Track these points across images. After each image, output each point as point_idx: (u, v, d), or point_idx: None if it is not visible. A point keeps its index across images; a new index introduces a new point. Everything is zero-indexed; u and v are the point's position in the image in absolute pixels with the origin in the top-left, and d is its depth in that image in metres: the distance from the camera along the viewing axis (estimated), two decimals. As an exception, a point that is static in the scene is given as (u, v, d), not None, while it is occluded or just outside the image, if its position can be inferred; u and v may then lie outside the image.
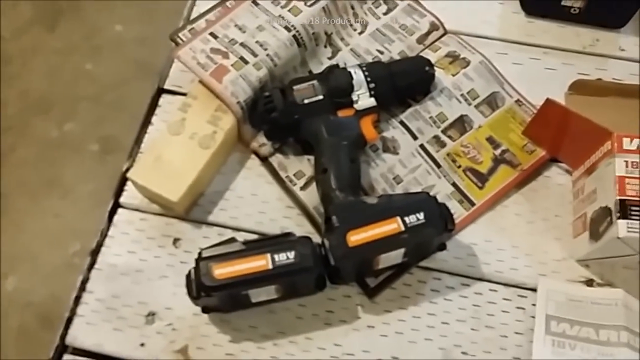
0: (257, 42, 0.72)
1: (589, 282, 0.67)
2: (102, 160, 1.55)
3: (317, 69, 0.76)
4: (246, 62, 0.71)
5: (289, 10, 0.74)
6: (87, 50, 1.71)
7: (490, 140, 0.73)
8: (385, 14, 0.79)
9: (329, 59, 0.77)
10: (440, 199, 0.68)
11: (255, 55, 0.71)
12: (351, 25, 0.78)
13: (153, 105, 0.77)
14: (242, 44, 0.72)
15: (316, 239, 0.67)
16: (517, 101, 0.75)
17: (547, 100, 0.67)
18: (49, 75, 1.66)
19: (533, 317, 0.64)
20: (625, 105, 0.74)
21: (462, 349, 0.64)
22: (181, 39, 0.75)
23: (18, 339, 1.33)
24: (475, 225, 0.70)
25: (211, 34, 0.73)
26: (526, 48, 0.80)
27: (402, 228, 0.59)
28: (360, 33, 0.78)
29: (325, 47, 0.77)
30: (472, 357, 0.63)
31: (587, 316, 0.63)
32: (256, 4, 0.75)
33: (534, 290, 0.66)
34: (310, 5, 0.75)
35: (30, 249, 1.43)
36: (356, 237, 0.59)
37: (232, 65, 0.70)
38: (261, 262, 0.58)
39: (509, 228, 0.70)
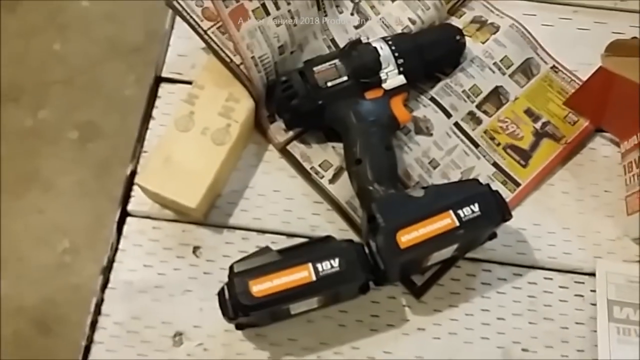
0: None
1: (647, 261, 0.62)
2: (82, 149, 1.45)
3: (341, 38, 0.68)
4: (267, 13, 0.62)
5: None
6: (53, 30, 1.58)
7: (528, 112, 0.67)
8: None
9: (356, 27, 0.69)
10: (482, 181, 0.63)
11: (277, 7, 0.63)
12: None
13: (152, 96, 0.68)
14: None
15: (351, 235, 0.62)
16: (553, 67, 0.69)
17: (600, 68, 0.60)
18: (15, 61, 1.53)
19: (593, 304, 0.60)
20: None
21: (522, 346, 0.59)
22: (179, 3, 0.63)
23: (15, 346, 1.25)
24: (521, 207, 0.64)
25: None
26: (555, 7, 0.73)
27: (457, 223, 0.53)
28: (393, 0, 0.70)
29: (352, 14, 0.69)
30: (533, 353, 0.59)
31: (650, 299, 0.59)
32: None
33: (591, 274, 0.61)
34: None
35: (16, 250, 1.33)
36: (407, 237, 0.52)
37: (253, 10, 0.62)
38: (303, 274, 0.52)
39: (558, 208, 0.64)
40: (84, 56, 1.55)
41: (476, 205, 0.54)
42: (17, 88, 1.50)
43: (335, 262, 0.52)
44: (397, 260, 0.53)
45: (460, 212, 0.53)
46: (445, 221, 0.53)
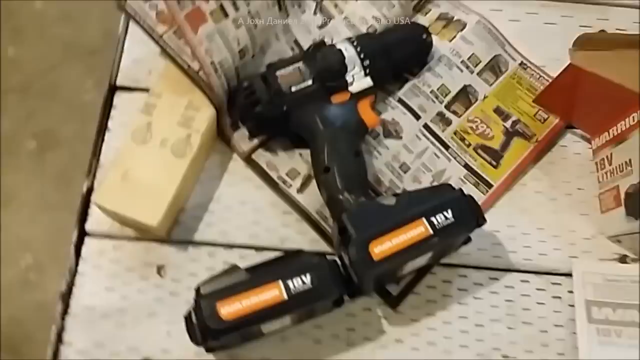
0: None
1: (623, 259, 0.61)
2: (41, 159, 1.39)
3: (304, 39, 0.65)
4: (226, 15, 0.59)
5: (274, -36, 0.63)
6: (6, 33, 1.52)
7: (498, 111, 0.65)
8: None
9: (319, 27, 0.66)
10: (453, 184, 0.61)
11: (236, 8, 0.60)
12: None
13: (107, 106, 0.65)
14: None
15: (323, 246, 0.60)
16: (521, 64, 0.68)
17: (570, 65, 0.59)
18: (-34, 68, 1.47)
19: (572, 305, 0.59)
20: (635, 58, 0.67)
21: (501, 352, 0.57)
22: (131, 7, 0.59)
23: (-20, 367, 1.20)
24: (495, 209, 0.63)
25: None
26: (522, 2, 0.72)
27: (431, 231, 0.51)
28: (358, -2, 0.67)
29: (315, 14, 0.66)
30: (513, 359, 0.57)
31: (628, 296, 0.58)
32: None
33: (568, 275, 0.60)
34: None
35: (-24, 267, 1.28)
36: (380, 248, 0.50)
37: (210, 13, 0.59)
38: (274, 293, 0.49)
39: (531, 208, 0.63)
40: (40, 60, 1.49)
41: (449, 211, 0.52)
42: (-30, 97, 1.44)
43: (307, 279, 0.50)
44: (370, 272, 0.51)
45: (433, 219, 0.51)
46: (418, 229, 0.51)
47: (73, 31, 1.52)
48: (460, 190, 0.54)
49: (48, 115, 1.43)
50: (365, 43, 0.61)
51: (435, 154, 0.63)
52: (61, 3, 1.54)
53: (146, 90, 0.62)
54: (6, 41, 1.51)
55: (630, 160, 0.57)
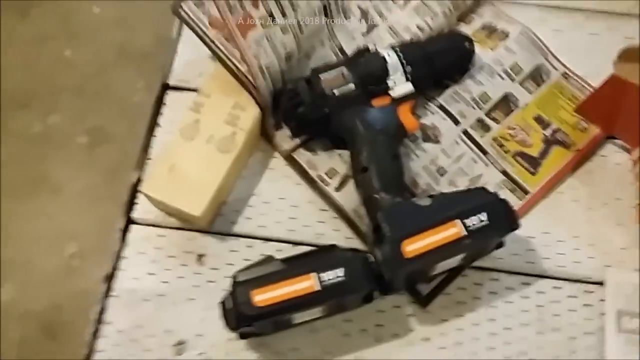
0: (289, 0, 0.63)
1: (658, 271, 0.61)
2: (91, 154, 1.45)
3: (348, 45, 0.67)
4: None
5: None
6: (63, 36, 1.59)
7: (538, 119, 0.66)
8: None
9: (363, 35, 0.68)
10: (490, 189, 0.62)
11: (284, 15, 0.62)
12: None
13: (158, 104, 0.68)
14: None
15: (357, 244, 0.61)
16: (564, 74, 0.68)
17: (613, 76, 0.59)
18: (26, 67, 1.54)
19: (603, 314, 0.59)
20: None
21: (528, 356, 0.58)
22: (185, 12, 0.63)
23: (20, 351, 1.25)
24: (530, 215, 0.63)
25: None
26: (566, 12, 0.73)
27: (464, 232, 0.52)
28: (402, 7, 0.69)
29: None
30: (541, 364, 0.58)
31: (661, 309, 0.58)
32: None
33: (600, 284, 0.60)
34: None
35: (24, 254, 1.34)
36: (412, 247, 0.52)
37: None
38: (307, 283, 0.51)
39: (567, 216, 0.63)
40: (94, 62, 1.56)
41: (484, 214, 0.53)
42: (28, 94, 1.51)
43: (340, 272, 0.51)
44: (401, 270, 0.52)
45: (467, 221, 0.52)
46: (451, 230, 0.52)
47: (127, 35, 1.58)
48: (496, 194, 0.55)
49: (100, 113, 1.49)
50: (408, 50, 0.63)
51: (473, 159, 0.64)
52: (117, 8, 1.61)
53: (196, 90, 0.65)
54: (64, 43, 1.58)
55: (668, 172, 0.57)
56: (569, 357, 0.58)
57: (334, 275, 0.51)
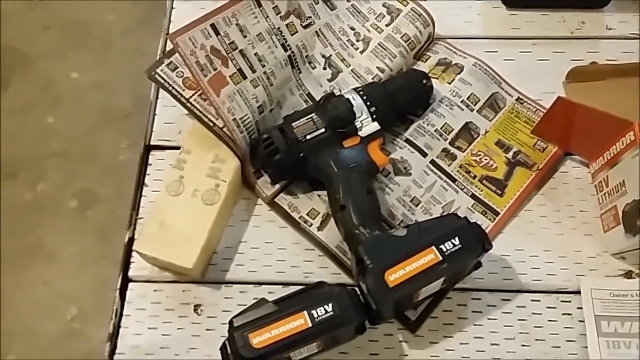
0: (255, 54, 0.68)
1: (628, 274, 0.65)
2: (82, 216, 1.48)
3: (316, 91, 0.72)
4: (244, 77, 0.67)
5: (286, 26, 0.71)
6: (45, 103, 1.64)
7: (499, 144, 0.71)
8: (387, 25, 0.74)
9: (329, 80, 0.73)
10: (461, 213, 0.66)
11: (253, 70, 0.67)
12: (352, 45, 0.74)
13: (143, 164, 0.72)
14: (241, 52, 0.67)
15: (344, 279, 0.65)
16: (518, 99, 0.73)
17: (559, 98, 0.64)
18: (11, 138, 1.58)
19: (582, 321, 0.62)
20: (626, 85, 0.72)
21: (517, 369, 0.61)
22: (161, 76, 0.68)
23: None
24: (503, 235, 0.67)
25: (212, 26, 0.65)
26: (514, 42, 0.78)
27: (440, 257, 0.56)
28: (362, 52, 0.74)
29: (325, 69, 0.73)
30: (528, 375, 0.61)
31: (635, 310, 0.61)
32: (259, 5, 0.69)
33: (576, 292, 0.64)
34: (305, 27, 0.72)
35: (25, 322, 1.35)
36: (395, 276, 0.55)
37: (230, 76, 0.66)
38: (299, 321, 0.54)
39: (537, 232, 0.67)
40: (78, 127, 1.60)
41: (456, 238, 0.57)
42: (15, 164, 1.55)
43: (329, 307, 0.55)
44: (388, 298, 0.55)
45: (442, 246, 0.56)
46: (429, 257, 0.56)
47: (107, 97, 1.63)
48: (465, 218, 0.59)
49: (87, 176, 1.53)
50: (371, 91, 0.68)
51: (443, 187, 0.68)
52: (95, 72, 1.66)
53: (177, 147, 0.69)
54: (46, 111, 1.62)
55: (624, 180, 0.61)
56: (555, 365, 0.61)
57: (324, 311, 0.55)
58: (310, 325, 0.54)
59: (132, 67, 1.57)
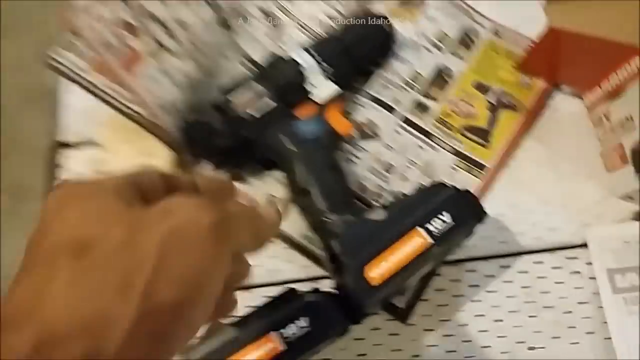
0: (176, 20, 0.55)
1: (638, 216, 0.57)
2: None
3: (255, 52, 0.60)
4: (164, 48, 0.54)
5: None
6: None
7: (478, 86, 0.60)
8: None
9: (270, 37, 0.61)
10: (443, 174, 0.57)
11: (175, 39, 0.55)
12: None
13: (51, 168, 0.59)
14: (157, 19, 0.54)
15: (316, 271, 0.55)
16: (495, 32, 0.62)
17: (550, 29, 0.54)
18: None
19: (593, 278, 0.54)
20: (610, 4, 0.62)
21: (527, 345, 0.53)
22: (60, 62, 0.55)
23: None
24: (494, 192, 0.58)
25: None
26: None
27: (429, 240, 0.46)
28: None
29: (263, 23, 0.61)
30: (541, 349, 0.53)
31: (652, 257, 0.54)
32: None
33: (583, 246, 0.56)
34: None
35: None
36: (377, 272, 0.46)
37: (146, 51, 0.53)
38: (269, 346, 0.44)
39: (532, 182, 0.58)
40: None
41: (446, 214, 0.47)
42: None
43: (303, 322, 0.45)
44: (370, 300, 0.46)
45: (429, 226, 0.47)
46: (416, 241, 0.47)
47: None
48: (454, 187, 0.50)
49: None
50: (322, 47, 0.56)
51: (419, 146, 0.58)
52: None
53: (94, 144, 0.57)
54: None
55: (631, 115, 0.52)
56: (569, 334, 0.54)
57: (297, 328, 0.45)
58: (283, 348, 0.44)
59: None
